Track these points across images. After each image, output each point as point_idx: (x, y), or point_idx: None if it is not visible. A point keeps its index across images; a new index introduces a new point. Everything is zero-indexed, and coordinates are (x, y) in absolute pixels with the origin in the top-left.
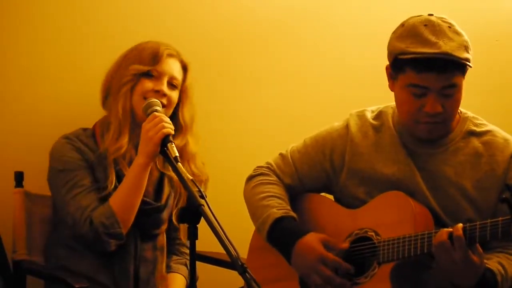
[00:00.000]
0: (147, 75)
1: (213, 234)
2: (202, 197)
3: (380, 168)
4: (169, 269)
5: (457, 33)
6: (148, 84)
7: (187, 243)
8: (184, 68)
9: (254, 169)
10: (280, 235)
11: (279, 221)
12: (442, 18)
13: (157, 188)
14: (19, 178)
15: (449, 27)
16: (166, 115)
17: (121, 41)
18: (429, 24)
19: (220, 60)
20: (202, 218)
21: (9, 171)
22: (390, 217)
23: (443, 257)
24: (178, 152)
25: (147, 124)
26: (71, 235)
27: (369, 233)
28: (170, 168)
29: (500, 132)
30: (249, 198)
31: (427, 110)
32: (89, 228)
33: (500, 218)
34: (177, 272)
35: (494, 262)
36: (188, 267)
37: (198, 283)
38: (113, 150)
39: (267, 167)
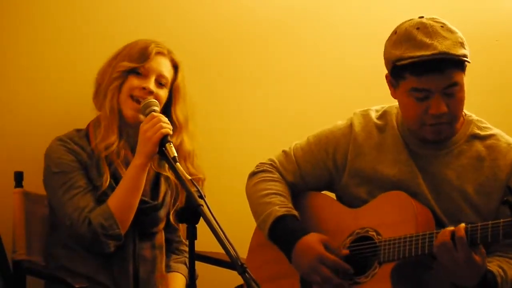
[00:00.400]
0: (135, 72)
1: (212, 234)
2: (201, 197)
3: (382, 168)
4: (168, 268)
5: (451, 31)
6: (135, 82)
7: (186, 242)
8: (175, 67)
9: (257, 166)
10: (281, 234)
11: (280, 219)
12: (433, 18)
13: (153, 186)
14: (19, 178)
15: (442, 26)
16: None
17: (121, 41)
18: (421, 27)
19: (220, 60)
20: (201, 218)
21: (9, 171)
22: (391, 217)
23: (445, 257)
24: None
25: (145, 125)
26: (68, 236)
27: (370, 232)
28: (166, 168)
29: (504, 137)
30: (251, 194)
31: (433, 112)
32: (87, 229)
33: (501, 220)
34: (177, 272)
35: (494, 265)
36: (188, 266)
37: (197, 283)
38: (103, 147)
39: (270, 164)
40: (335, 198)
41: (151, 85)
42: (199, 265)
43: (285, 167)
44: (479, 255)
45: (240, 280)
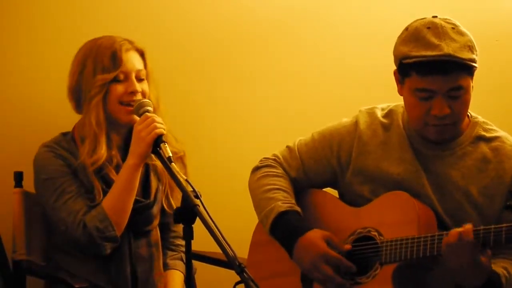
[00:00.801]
0: (115, 80)
1: (210, 234)
2: (197, 197)
3: (386, 167)
4: (166, 266)
5: (461, 33)
6: (119, 89)
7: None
8: (142, 55)
9: (261, 160)
10: (283, 229)
11: (283, 214)
12: (446, 19)
13: (144, 184)
14: (18, 178)
15: (453, 28)
16: None
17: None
18: (432, 27)
19: (220, 60)
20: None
21: (9, 171)
22: (393, 217)
23: (453, 257)
24: None
25: (139, 125)
26: (65, 241)
27: (372, 232)
28: (152, 157)
29: (510, 139)
30: (254, 189)
31: (435, 113)
32: (82, 232)
33: (504, 225)
34: (174, 269)
35: (498, 266)
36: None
37: (197, 282)
38: (90, 163)
39: (274, 159)
40: (337, 195)
41: (136, 86)
42: (198, 265)
43: (289, 163)
44: (486, 256)
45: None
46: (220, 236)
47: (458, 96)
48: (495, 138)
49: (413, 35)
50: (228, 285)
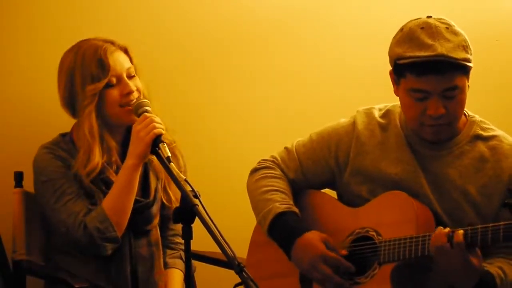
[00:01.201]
0: (108, 86)
1: (209, 234)
2: (196, 196)
3: (384, 167)
4: (165, 265)
5: (455, 33)
6: (115, 94)
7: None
8: (126, 52)
9: (259, 162)
10: (281, 230)
11: (281, 215)
12: (440, 19)
13: (143, 183)
14: (18, 178)
15: (447, 28)
16: None
17: (121, 42)
18: (426, 27)
19: (220, 60)
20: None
21: (9, 171)
22: (392, 217)
23: (442, 259)
24: None
25: (138, 125)
26: (65, 242)
27: (370, 232)
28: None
29: (507, 138)
30: (252, 191)
31: (430, 113)
32: (83, 233)
33: (502, 223)
34: (174, 267)
35: (494, 267)
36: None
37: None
38: (85, 174)
39: (272, 161)
40: (335, 196)
41: (130, 86)
42: (198, 265)
43: (287, 164)
44: (476, 257)
45: (238, 279)
46: (220, 236)
47: (453, 96)
48: (493, 137)
49: (407, 35)
50: (228, 285)
